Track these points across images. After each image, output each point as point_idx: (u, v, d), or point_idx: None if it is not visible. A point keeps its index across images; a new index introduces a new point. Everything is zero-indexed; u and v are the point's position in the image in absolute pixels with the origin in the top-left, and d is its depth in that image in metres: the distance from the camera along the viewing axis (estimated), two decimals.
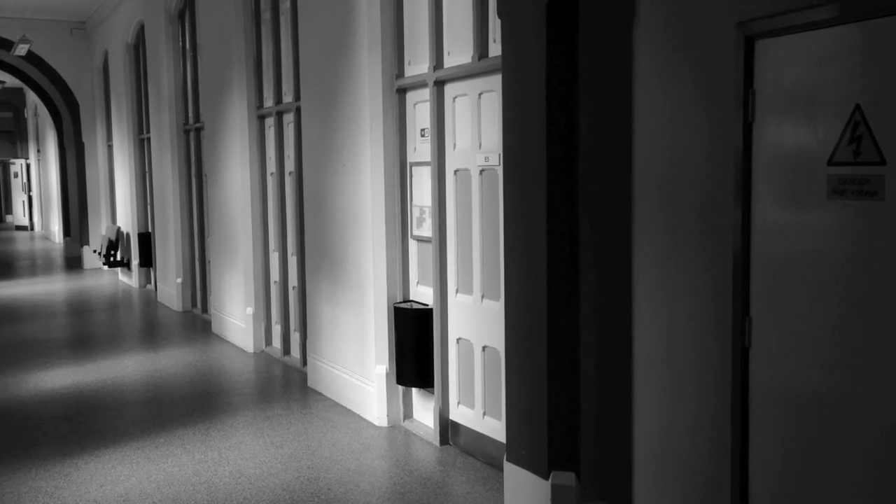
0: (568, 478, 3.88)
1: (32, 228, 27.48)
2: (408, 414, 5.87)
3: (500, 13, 4.09)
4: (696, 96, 3.41)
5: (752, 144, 3.17)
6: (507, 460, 4.20)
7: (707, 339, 3.41)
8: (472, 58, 4.93)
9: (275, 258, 8.06)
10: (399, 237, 5.79)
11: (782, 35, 3.05)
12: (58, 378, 7.32)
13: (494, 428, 4.98)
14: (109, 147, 15.12)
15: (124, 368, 7.65)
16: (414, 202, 5.67)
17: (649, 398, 3.73)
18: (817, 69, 2.95)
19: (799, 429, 3.09)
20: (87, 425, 5.97)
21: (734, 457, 3.31)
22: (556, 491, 3.87)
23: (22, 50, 13.75)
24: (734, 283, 3.25)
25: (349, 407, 6.23)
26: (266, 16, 7.94)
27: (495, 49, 4.76)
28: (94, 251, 15.66)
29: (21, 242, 22.82)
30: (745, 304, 3.23)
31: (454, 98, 5.17)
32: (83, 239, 16.27)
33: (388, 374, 5.79)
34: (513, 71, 4.02)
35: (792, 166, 3.05)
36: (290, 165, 7.57)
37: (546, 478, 3.92)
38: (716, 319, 3.37)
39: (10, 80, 19.54)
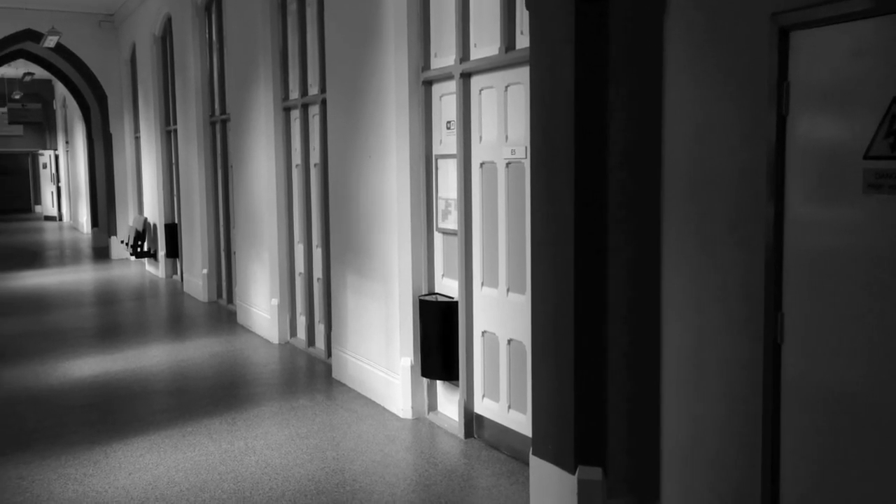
0: (595, 472, 3.86)
1: (61, 219, 27.82)
2: (432, 406, 5.88)
3: (528, 5, 4.06)
4: (728, 89, 3.36)
5: (786, 138, 3.13)
6: (533, 454, 4.19)
7: (738, 335, 3.37)
8: (499, 50, 4.90)
9: (300, 250, 8.09)
10: (424, 230, 5.78)
11: (818, 26, 3.00)
12: (86, 366, 7.41)
13: (520, 422, 4.97)
14: (137, 138, 15.24)
15: (151, 358, 7.72)
16: (439, 195, 5.66)
17: (678, 393, 3.70)
18: (853, 61, 2.90)
19: (832, 427, 3.04)
20: (115, 413, 6.04)
21: (765, 454, 3.27)
22: (582, 486, 3.85)
23: (51, 42, 13.89)
24: (766, 279, 3.21)
25: (374, 399, 6.25)
26: (292, 7, 7.96)
27: (522, 41, 4.73)
28: (122, 242, 15.82)
29: (50, 233, 23.11)
30: (777, 300, 3.18)
31: (480, 90, 5.15)
32: (111, 229, 16.43)
33: (412, 367, 5.79)
34: (541, 63, 3.99)
35: (827, 160, 3.00)
36: (315, 157, 7.59)
37: (572, 472, 3.91)
38: (747, 314, 3.33)
39: (40, 72, 19.78)
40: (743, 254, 3.33)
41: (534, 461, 4.18)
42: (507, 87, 4.90)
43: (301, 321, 8.18)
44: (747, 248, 3.30)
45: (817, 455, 3.11)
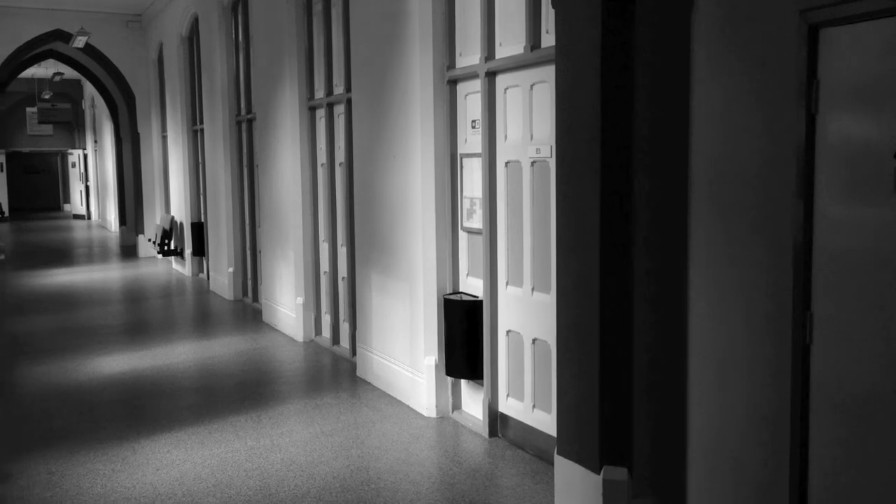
0: (620, 473, 3.85)
1: (89, 217, 28.16)
2: (457, 405, 5.88)
3: (554, 3, 4.05)
4: (756, 87, 3.33)
5: (815, 136, 3.09)
6: (558, 454, 4.18)
7: (765, 335, 3.34)
8: (525, 48, 4.89)
9: (325, 249, 8.13)
10: (449, 229, 5.79)
11: (848, 23, 2.96)
12: (114, 363, 7.50)
13: (544, 421, 4.96)
14: (164, 138, 15.40)
15: (178, 355, 7.80)
16: (464, 194, 5.66)
17: (705, 395, 3.67)
18: (884, 59, 2.86)
19: (862, 430, 3.01)
20: (142, 410, 6.11)
21: (793, 457, 3.24)
22: (607, 486, 3.84)
23: (80, 42, 14.07)
24: (794, 278, 3.18)
25: (398, 397, 6.26)
26: (318, 7, 7.99)
27: (548, 40, 4.72)
28: (149, 240, 15.99)
29: (78, 231, 23.41)
30: (805, 300, 3.15)
31: (505, 89, 5.14)
32: (138, 228, 16.61)
33: (437, 366, 5.80)
34: (567, 62, 3.98)
35: (856, 159, 2.97)
36: (340, 156, 7.62)
37: (598, 472, 3.89)
38: (775, 314, 3.29)
39: (69, 72, 20.03)
40: (771, 253, 3.29)
41: (559, 461, 4.17)
42: (532, 85, 4.89)
43: (326, 320, 8.22)
44: (775, 248, 3.27)
45: (846, 458, 3.07)
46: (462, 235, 5.74)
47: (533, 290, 5.01)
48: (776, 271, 3.27)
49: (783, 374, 3.27)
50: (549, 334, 4.81)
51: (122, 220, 18.47)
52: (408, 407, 6.06)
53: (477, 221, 5.51)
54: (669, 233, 3.75)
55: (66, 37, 14.93)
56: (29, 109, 27.13)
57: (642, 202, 3.79)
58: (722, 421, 3.59)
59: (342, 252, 7.70)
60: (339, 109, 7.55)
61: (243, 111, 10.57)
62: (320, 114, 8.02)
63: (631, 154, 3.79)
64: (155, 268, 14.55)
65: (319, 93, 8.03)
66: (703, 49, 3.57)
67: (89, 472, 4.91)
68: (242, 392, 6.55)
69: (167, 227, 14.33)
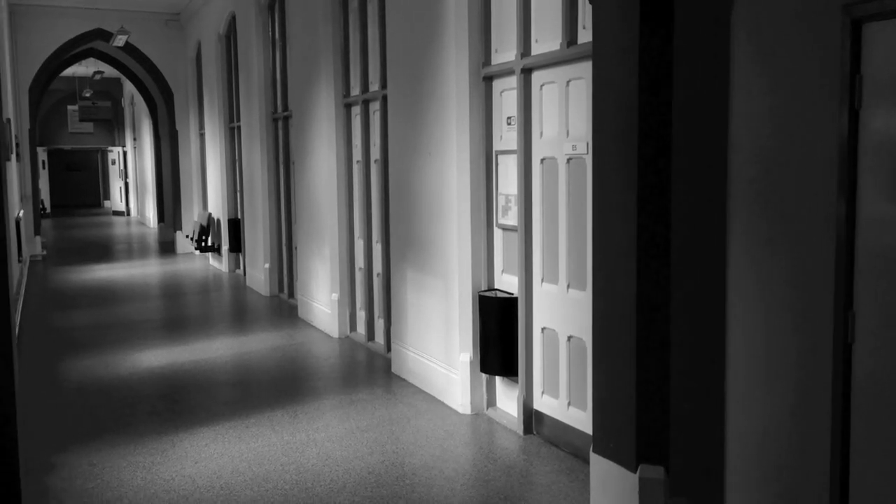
0: (656, 471, 3.82)
1: (128, 214, 28.61)
2: (491, 402, 5.88)
3: None
4: (797, 83, 3.28)
5: (859, 132, 3.04)
6: (594, 451, 4.16)
7: (806, 333, 3.29)
8: (561, 45, 4.87)
9: (360, 245, 8.17)
10: (484, 225, 5.78)
11: (892, 18, 2.91)
12: (154, 358, 7.62)
13: (579, 419, 4.94)
14: (202, 135, 15.58)
15: (215, 350, 7.90)
16: (499, 190, 5.66)
17: (743, 394, 3.63)
18: None
19: None
20: (181, 404, 6.20)
21: (834, 459, 3.19)
22: (643, 484, 3.82)
23: (120, 41, 14.29)
24: (836, 277, 3.13)
25: (433, 394, 6.28)
26: (353, 4, 8.03)
27: (584, 36, 4.70)
28: (187, 236, 16.19)
29: (118, 227, 23.79)
30: (848, 298, 3.10)
31: (541, 86, 5.12)
32: (176, 224, 16.83)
33: (472, 362, 5.81)
34: (604, 59, 3.95)
35: None
36: (375, 153, 7.65)
37: (634, 471, 3.87)
38: (816, 313, 3.24)
39: (109, 71, 20.35)
40: (812, 251, 3.25)
41: (594, 459, 4.15)
42: (568, 82, 4.87)
43: (361, 316, 8.27)
44: (817, 246, 3.22)
45: (889, 459, 3.02)
46: (497, 232, 5.74)
47: (568, 287, 4.99)
48: (817, 270, 3.23)
49: (824, 373, 3.22)
50: (585, 331, 4.79)
51: (161, 216, 18.74)
52: (442, 403, 6.08)
53: (512, 218, 5.50)
54: (708, 231, 3.72)
55: (106, 36, 15.16)
56: (70, 107, 27.63)
57: (680, 198, 3.76)
58: (761, 420, 3.55)
59: (377, 248, 7.74)
60: (375, 106, 7.58)
61: (280, 108, 10.66)
62: (356, 111, 8.06)
63: (669, 152, 3.76)
64: (192, 264, 14.74)
65: (355, 90, 8.07)
66: (743, 44, 3.52)
67: (130, 464, 5.00)
68: (278, 387, 6.62)
69: (204, 223, 14.51)
